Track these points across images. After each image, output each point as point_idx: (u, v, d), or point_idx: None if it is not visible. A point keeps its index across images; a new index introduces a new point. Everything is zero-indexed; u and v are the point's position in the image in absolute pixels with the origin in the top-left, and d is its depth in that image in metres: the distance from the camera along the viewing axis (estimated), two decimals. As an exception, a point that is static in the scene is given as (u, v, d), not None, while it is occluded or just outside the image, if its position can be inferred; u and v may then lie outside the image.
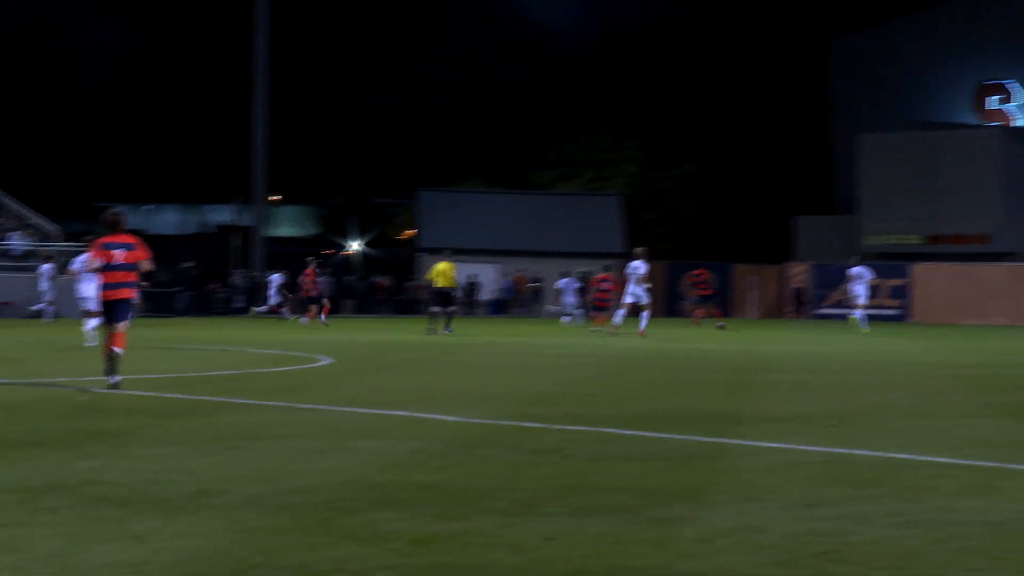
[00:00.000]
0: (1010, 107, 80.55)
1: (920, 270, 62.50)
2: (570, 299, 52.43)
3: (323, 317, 47.27)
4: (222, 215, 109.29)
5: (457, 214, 66.77)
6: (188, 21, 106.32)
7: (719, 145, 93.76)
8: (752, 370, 24.13)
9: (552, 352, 29.81)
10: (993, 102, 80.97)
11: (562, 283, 53.15)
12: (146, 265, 18.15)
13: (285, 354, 27.36)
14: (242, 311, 61.20)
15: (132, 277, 18.12)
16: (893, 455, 12.00)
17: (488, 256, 65.04)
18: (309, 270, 48.47)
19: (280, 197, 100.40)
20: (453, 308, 41.27)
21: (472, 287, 64.25)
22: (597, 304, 44.67)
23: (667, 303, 59.99)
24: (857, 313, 45.20)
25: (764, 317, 53.43)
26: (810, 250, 74.02)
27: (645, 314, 38.21)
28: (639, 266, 37.90)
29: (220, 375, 21.34)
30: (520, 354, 28.86)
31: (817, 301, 64.53)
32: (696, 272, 49.20)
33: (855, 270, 45.22)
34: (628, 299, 38.11)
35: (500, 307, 65.19)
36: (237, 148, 76.02)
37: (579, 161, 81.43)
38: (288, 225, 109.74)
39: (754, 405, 16.92)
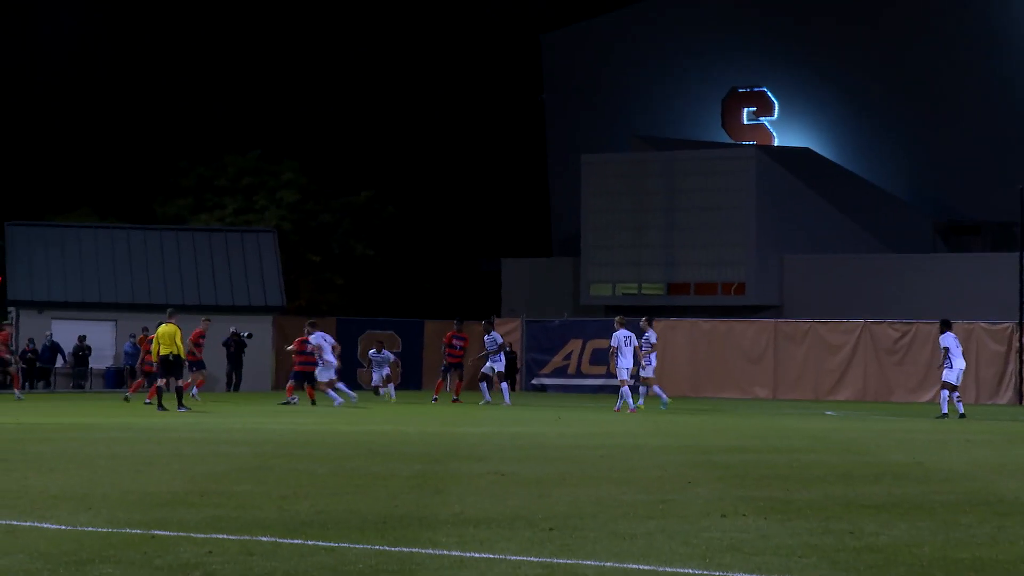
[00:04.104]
0: (768, 121, 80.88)
1: (660, 328, 63.14)
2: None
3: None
4: None
5: (59, 256, 65.44)
6: None
7: (404, 168, 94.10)
8: (445, 458, 24.32)
9: (191, 438, 29.54)
10: (747, 115, 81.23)
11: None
12: None
13: None
14: None
15: None
16: (629, 566, 12.25)
17: (101, 311, 63.97)
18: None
19: None
20: (181, 381, 42.01)
21: (81, 352, 63.17)
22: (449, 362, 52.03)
23: (346, 373, 58.40)
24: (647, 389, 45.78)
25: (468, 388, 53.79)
26: (520, 301, 74.26)
27: (657, 388, 44.92)
28: (652, 335, 44.45)
29: None
30: (149, 440, 28.53)
31: (533, 368, 64.58)
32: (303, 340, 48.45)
33: (650, 333, 45.14)
34: (648, 372, 44.24)
35: (118, 378, 63.88)
36: None
37: (220, 187, 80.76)
38: None
39: (451, 504, 17.06)
